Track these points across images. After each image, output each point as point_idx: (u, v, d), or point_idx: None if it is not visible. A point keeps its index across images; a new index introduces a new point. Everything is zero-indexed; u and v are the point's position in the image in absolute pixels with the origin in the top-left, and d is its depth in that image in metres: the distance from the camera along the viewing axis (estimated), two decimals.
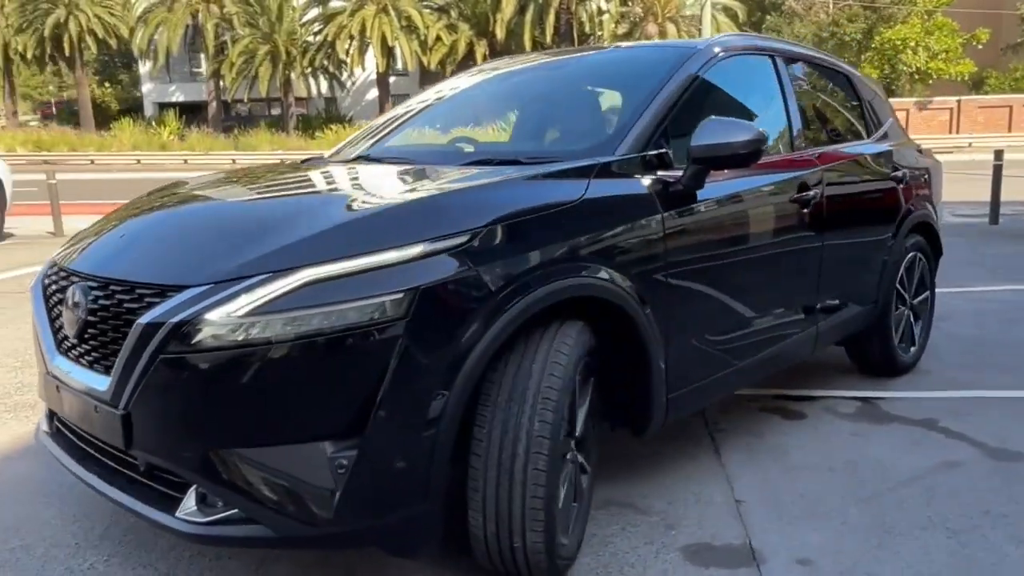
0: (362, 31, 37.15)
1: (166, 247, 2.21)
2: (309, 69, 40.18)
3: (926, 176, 4.31)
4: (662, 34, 35.17)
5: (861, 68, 29.45)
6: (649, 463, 3.14)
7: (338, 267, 1.89)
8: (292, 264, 1.89)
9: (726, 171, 2.74)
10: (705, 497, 2.86)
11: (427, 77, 41.03)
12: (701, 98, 2.92)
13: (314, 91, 42.14)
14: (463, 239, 2.00)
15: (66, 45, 42.61)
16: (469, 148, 3.01)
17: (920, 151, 4.44)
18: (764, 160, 3.20)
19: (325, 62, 39.77)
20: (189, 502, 1.96)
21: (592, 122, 3.01)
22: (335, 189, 2.69)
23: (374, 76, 40.66)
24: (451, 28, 37.74)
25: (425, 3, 38.98)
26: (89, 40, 42.94)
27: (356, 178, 2.81)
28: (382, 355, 1.87)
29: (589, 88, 3.21)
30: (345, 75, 41.38)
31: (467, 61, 37.27)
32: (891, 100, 8.17)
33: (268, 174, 2.92)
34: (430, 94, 3.59)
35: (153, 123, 41.22)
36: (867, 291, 3.77)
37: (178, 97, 47.73)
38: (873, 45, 33.87)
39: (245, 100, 45.14)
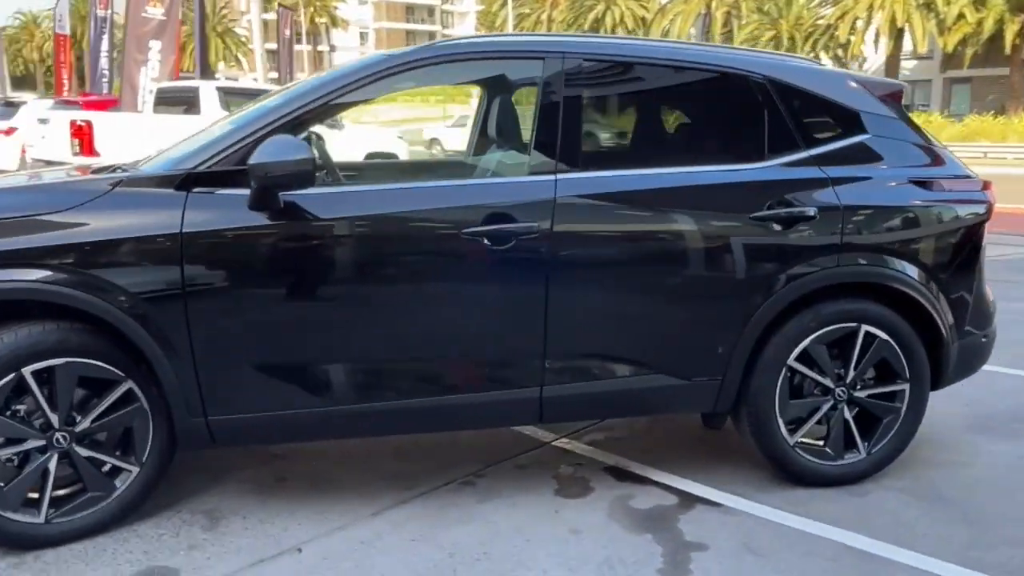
0: (869, 12, 34.18)
1: None
2: (811, 54, 38.43)
3: (907, 220, 2.99)
4: None
5: None
6: (314, 487, 3.01)
7: None
8: None
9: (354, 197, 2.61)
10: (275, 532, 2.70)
11: (949, 61, 36.11)
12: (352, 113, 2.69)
13: None
14: None
15: None
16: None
17: (927, 184, 3.03)
18: (404, 186, 2.90)
19: (829, 45, 37.65)
20: None
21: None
22: None
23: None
24: (978, 4, 32.43)
25: None
26: (620, 31, 47.47)
27: None
28: None
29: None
30: (857, 60, 38.52)
31: (992, 42, 31.86)
32: None
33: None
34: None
35: None
36: (692, 360, 2.87)
37: None
38: None
39: None
